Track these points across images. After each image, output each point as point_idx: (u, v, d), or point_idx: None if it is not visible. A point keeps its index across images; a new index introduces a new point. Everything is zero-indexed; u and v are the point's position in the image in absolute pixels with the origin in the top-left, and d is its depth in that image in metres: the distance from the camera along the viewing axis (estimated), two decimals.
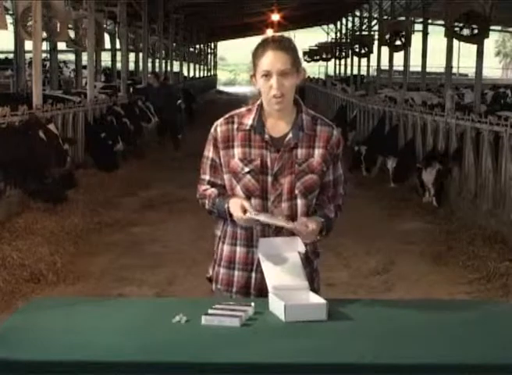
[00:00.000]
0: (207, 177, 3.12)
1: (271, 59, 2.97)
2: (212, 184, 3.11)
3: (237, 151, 3.04)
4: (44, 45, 16.61)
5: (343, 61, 35.73)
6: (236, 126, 3.06)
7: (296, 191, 3.03)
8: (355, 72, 30.71)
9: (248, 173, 3.02)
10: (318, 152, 3.05)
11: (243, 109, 3.11)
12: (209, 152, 3.10)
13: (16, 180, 8.68)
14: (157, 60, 26.77)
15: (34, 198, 9.10)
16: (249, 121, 3.06)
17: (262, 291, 3.06)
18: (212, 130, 3.10)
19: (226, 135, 3.06)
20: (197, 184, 3.17)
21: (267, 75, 2.98)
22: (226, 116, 3.11)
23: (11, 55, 23.97)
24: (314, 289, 3.13)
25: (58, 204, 9.39)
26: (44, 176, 8.86)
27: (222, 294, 3.17)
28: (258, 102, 3.08)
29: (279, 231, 3.03)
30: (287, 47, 3.01)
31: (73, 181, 10.28)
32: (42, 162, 8.82)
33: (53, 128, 9.47)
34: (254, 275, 3.09)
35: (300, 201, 3.04)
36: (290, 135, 3.04)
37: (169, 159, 15.04)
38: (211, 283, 3.22)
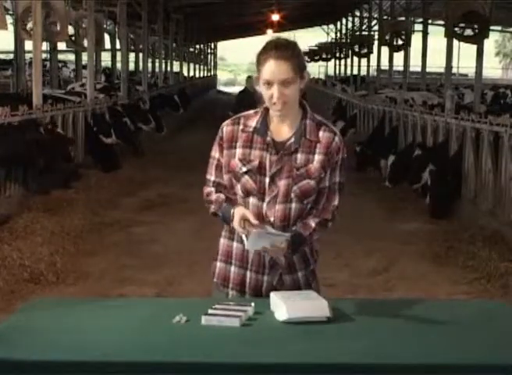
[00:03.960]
0: (212, 178, 3.15)
1: (272, 69, 2.96)
2: (217, 185, 3.13)
3: (238, 152, 3.06)
4: (44, 45, 16.62)
5: (343, 61, 35.74)
6: (241, 127, 3.09)
7: (292, 195, 3.04)
8: (355, 72, 30.72)
9: (246, 172, 3.04)
10: (317, 158, 3.05)
11: (251, 111, 3.14)
12: (215, 152, 3.13)
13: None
14: (157, 60, 26.79)
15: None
16: (253, 123, 3.08)
17: (257, 291, 3.09)
18: (220, 130, 3.13)
19: (231, 136, 3.09)
20: (204, 185, 3.18)
21: (268, 83, 2.98)
22: (234, 117, 3.14)
23: (11, 55, 23.98)
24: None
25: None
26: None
27: (219, 287, 3.19)
28: (265, 105, 3.08)
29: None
30: (289, 55, 2.97)
31: (77, 175, 10.57)
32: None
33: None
34: (249, 274, 3.10)
35: (294, 205, 3.05)
36: (292, 140, 3.05)
37: (169, 159, 15.04)
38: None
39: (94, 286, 6.79)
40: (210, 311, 2.78)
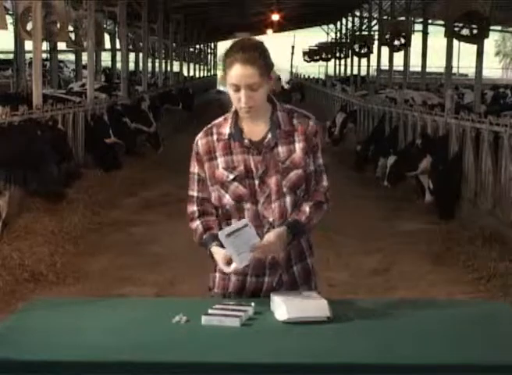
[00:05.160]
0: (195, 194, 3.12)
1: (238, 74, 2.93)
2: (201, 201, 3.11)
3: (220, 161, 3.04)
4: (44, 45, 16.61)
5: (343, 61, 35.72)
6: (215, 137, 3.07)
7: (284, 189, 3.03)
8: (355, 72, 30.71)
9: (234, 179, 3.02)
10: (298, 146, 3.04)
11: (221, 119, 3.11)
12: (194, 168, 3.11)
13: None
14: (157, 60, 26.78)
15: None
16: (226, 130, 3.06)
17: (255, 294, 3.08)
18: (194, 144, 3.10)
19: (207, 147, 3.07)
20: (187, 202, 3.15)
21: (235, 87, 2.96)
22: (205, 128, 3.12)
23: (11, 55, 23.98)
24: (311, 287, 3.13)
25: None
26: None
27: (218, 298, 3.14)
28: (233, 109, 3.06)
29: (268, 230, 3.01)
30: (255, 58, 2.94)
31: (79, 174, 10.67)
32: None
33: None
34: (249, 279, 3.10)
35: (288, 198, 3.04)
36: (269, 136, 3.04)
37: (169, 159, 15.04)
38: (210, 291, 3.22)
39: (94, 286, 6.79)
40: (210, 311, 2.78)
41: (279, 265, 3.06)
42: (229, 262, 2.92)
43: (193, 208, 3.13)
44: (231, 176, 3.02)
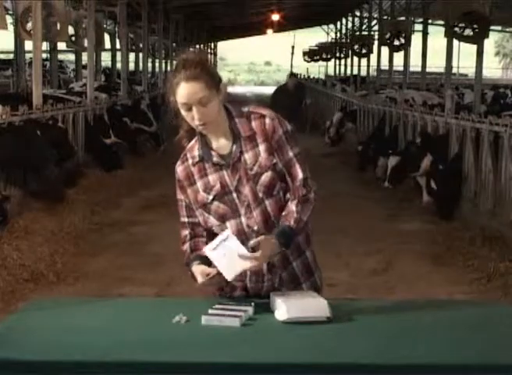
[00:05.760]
0: (185, 220, 3.14)
1: (186, 91, 2.93)
2: (192, 225, 3.12)
3: (199, 184, 3.06)
4: (44, 45, 16.62)
5: (343, 61, 35.72)
6: (190, 161, 3.09)
7: (260, 195, 3.02)
8: (355, 72, 30.70)
9: (213, 199, 3.04)
10: (262, 148, 3.03)
11: (193, 141, 3.12)
12: (180, 195, 3.14)
13: None
14: (157, 60, 26.79)
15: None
16: (196, 152, 3.08)
17: (257, 294, 3.08)
18: (175, 173, 3.13)
19: (185, 173, 3.09)
20: (180, 228, 3.18)
21: (186, 106, 2.95)
22: (181, 155, 3.13)
23: (11, 55, 23.99)
24: (315, 282, 3.14)
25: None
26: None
27: (218, 298, 3.14)
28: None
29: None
30: (199, 73, 2.93)
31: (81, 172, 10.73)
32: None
33: None
34: (249, 284, 3.10)
35: (268, 202, 3.03)
36: (234, 146, 3.04)
37: (170, 159, 15.03)
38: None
39: (94, 286, 6.79)
40: (210, 311, 2.79)
41: (276, 266, 3.06)
42: (207, 275, 2.94)
43: (185, 232, 3.16)
44: (210, 197, 3.04)
